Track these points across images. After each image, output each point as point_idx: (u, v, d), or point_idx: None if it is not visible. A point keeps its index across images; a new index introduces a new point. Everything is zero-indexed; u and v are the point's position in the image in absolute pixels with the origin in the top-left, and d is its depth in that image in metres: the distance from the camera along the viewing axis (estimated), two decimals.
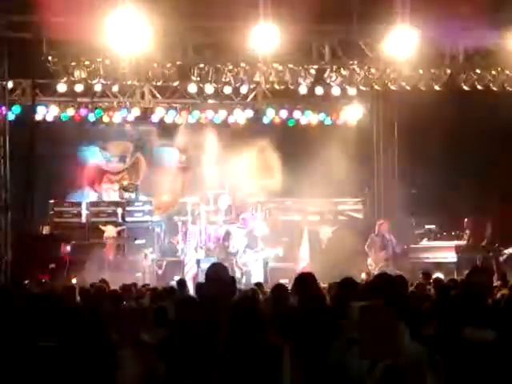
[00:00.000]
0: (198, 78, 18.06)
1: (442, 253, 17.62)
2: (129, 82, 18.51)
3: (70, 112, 19.21)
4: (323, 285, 8.73)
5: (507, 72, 17.86)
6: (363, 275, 16.21)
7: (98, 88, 18.76)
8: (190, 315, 6.03)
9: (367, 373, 4.33)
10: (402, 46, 17.07)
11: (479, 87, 17.97)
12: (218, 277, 6.49)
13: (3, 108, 17.69)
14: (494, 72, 17.90)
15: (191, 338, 5.67)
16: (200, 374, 5.29)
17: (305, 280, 6.68)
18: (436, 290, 9.71)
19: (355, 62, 18.10)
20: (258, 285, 12.26)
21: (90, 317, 6.67)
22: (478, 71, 17.89)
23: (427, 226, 18.21)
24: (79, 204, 18.54)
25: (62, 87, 18.39)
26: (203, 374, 5.20)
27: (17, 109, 18.71)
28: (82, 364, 5.51)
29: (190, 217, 18.00)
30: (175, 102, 19.73)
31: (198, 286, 8.33)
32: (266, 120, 20.10)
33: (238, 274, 16.82)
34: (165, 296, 9.49)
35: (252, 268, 17.44)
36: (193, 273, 16.88)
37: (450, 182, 18.63)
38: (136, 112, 19.52)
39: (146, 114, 19.77)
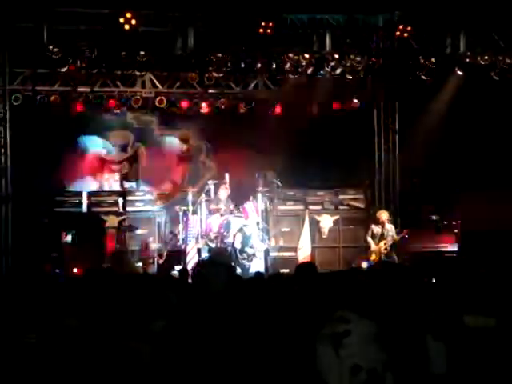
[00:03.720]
0: (199, 68, 18.08)
1: (443, 242, 17.63)
2: (129, 71, 18.52)
3: (71, 102, 19.15)
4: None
5: (508, 60, 17.93)
6: (364, 265, 16.26)
7: (98, 77, 18.79)
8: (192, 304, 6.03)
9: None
10: (402, 34, 17.15)
11: (480, 75, 18.08)
12: (219, 260, 6.49)
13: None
14: (494, 60, 17.98)
15: (191, 326, 5.68)
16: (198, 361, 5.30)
17: (305, 270, 6.70)
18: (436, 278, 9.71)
19: (356, 51, 18.14)
20: (258, 274, 12.21)
21: None
22: (478, 59, 17.97)
23: (428, 215, 18.21)
24: (80, 193, 18.52)
25: (62, 76, 18.38)
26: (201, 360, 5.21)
27: (17, 98, 18.69)
28: None
29: (191, 206, 18.00)
30: (176, 91, 19.69)
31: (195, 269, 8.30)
32: (266, 109, 20.04)
33: (237, 264, 16.86)
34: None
35: (252, 257, 17.46)
36: (194, 262, 16.88)
37: (451, 170, 18.64)
38: (137, 101, 19.47)
39: (146, 104, 19.72)
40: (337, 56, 18.03)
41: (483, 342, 4.95)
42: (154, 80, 19.49)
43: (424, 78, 18.27)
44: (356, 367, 4.24)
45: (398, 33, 17.55)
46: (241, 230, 17.55)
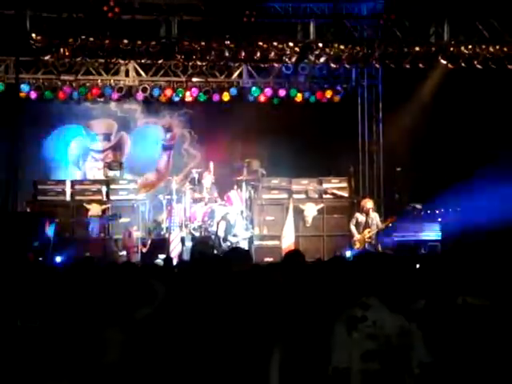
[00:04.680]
0: (183, 56, 18.03)
1: (427, 231, 17.66)
2: (113, 60, 18.44)
3: (54, 90, 19.08)
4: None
5: (491, 49, 17.98)
6: (348, 253, 16.29)
7: (81, 65, 18.74)
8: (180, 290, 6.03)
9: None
10: (386, 23, 17.18)
11: (463, 65, 18.12)
12: (204, 252, 6.47)
13: None
14: (478, 49, 18.03)
15: (179, 313, 5.66)
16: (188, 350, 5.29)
17: (294, 258, 6.67)
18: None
19: (340, 40, 18.14)
20: None
21: None
22: (462, 48, 18.01)
23: (411, 204, 18.26)
24: (63, 182, 18.46)
25: (45, 65, 18.31)
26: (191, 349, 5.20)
27: (0, 86, 18.63)
28: None
29: (175, 195, 17.97)
30: (160, 79, 19.65)
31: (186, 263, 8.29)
32: (250, 98, 20.02)
33: (220, 252, 16.84)
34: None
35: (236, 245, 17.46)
36: (178, 251, 16.87)
37: (435, 159, 18.68)
38: (120, 90, 19.43)
39: (130, 92, 19.66)
40: (321, 44, 18.03)
41: (478, 321, 4.98)
42: (138, 68, 19.45)
43: (408, 66, 18.29)
44: (368, 353, 4.28)
45: (381, 21, 17.56)
46: (224, 217, 17.51)
